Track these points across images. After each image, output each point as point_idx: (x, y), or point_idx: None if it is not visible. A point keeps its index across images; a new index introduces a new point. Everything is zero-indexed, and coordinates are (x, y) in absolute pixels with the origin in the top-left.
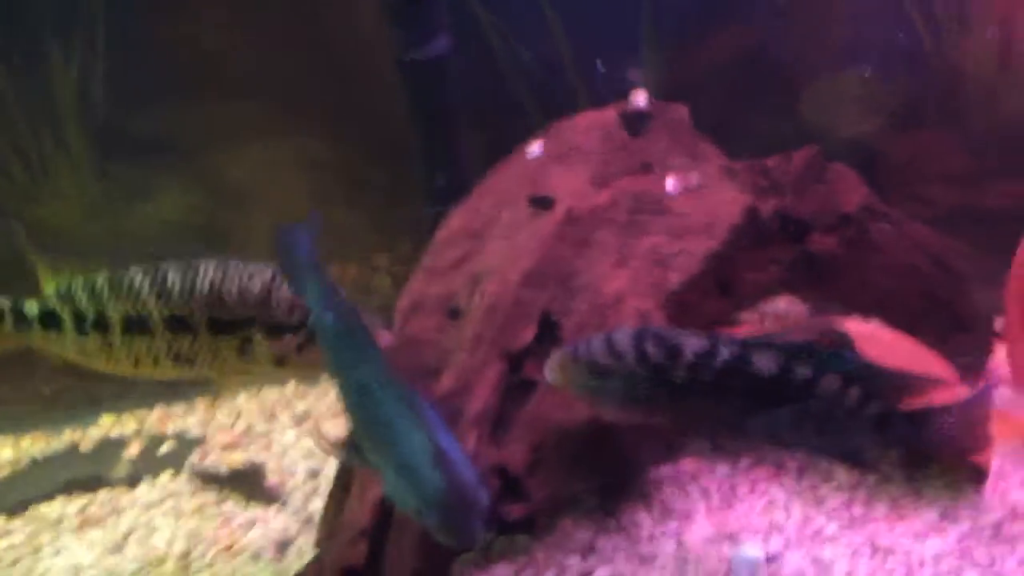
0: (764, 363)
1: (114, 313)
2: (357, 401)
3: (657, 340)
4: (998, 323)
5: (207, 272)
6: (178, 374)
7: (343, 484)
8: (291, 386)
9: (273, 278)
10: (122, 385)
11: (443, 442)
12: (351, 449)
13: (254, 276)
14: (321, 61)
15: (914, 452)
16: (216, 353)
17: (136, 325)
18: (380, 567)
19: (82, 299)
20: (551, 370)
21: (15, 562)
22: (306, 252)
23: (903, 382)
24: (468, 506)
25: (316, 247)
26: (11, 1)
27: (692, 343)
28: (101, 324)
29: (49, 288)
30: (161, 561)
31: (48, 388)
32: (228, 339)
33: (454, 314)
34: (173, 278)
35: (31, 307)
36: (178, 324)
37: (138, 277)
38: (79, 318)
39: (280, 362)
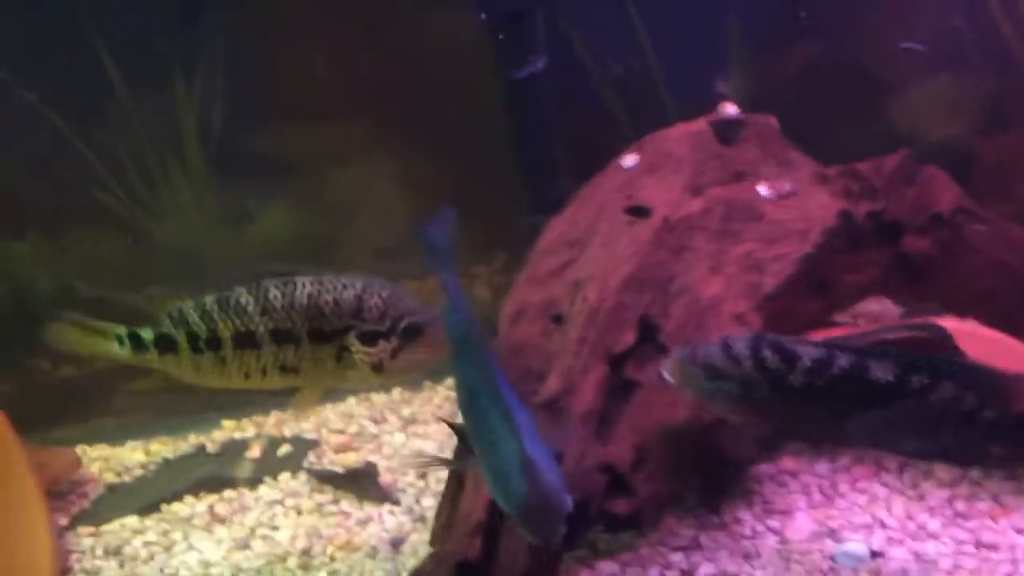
0: (880, 372)
1: (225, 331)
2: (467, 406)
3: (773, 347)
4: None
5: (304, 286)
6: (284, 383)
7: (457, 479)
8: (397, 391)
9: (364, 288)
10: (238, 393)
11: (532, 451)
12: (465, 454)
13: (347, 287)
14: (418, 79)
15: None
16: (317, 362)
17: (245, 340)
18: (494, 561)
19: (195, 320)
20: (668, 371)
21: (150, 558)
22: (446, 246)
23: (1011, 382)
24: (550, 511)
25: (455, 242)
26: (138, 29)
27: (808, 351)
28: (214, 342)
29: (161, 313)
30: (284, 557)
31: (170, 397)
32: (327, 348)
33: (557, 320)
34: (275, 294)
35: (147, 333)
36: (282, 337)
37: (243, 295)
38: (193, 338)
39: (376, 368)
